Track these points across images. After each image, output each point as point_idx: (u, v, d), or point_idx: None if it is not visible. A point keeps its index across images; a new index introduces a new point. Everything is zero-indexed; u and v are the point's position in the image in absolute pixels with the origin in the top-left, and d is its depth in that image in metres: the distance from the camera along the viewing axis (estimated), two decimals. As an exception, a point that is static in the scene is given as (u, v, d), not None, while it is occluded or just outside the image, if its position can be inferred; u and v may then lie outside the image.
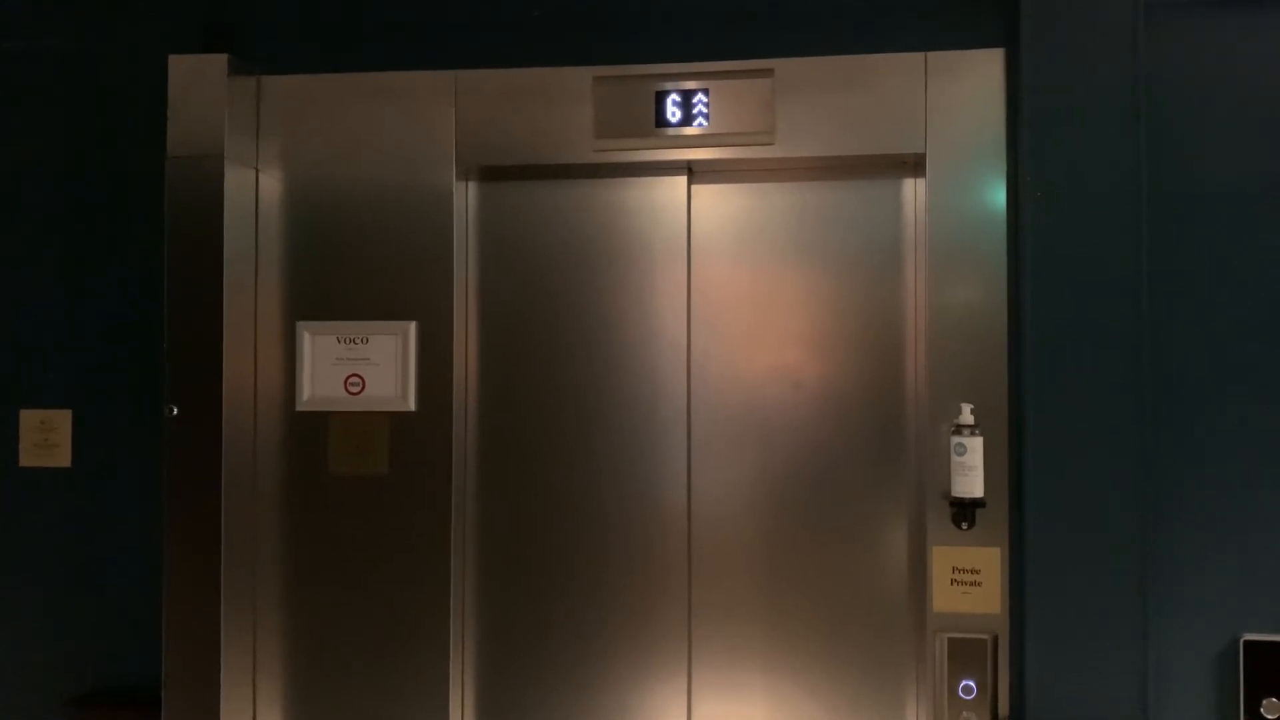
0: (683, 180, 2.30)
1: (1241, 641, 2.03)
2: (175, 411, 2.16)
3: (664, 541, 2.28)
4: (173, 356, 2.18)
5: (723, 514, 2.29)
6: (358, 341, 2.29)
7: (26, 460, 2.38)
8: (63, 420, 2.37)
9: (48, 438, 2.37)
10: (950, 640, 2.10)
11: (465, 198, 2.34)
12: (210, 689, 2.16)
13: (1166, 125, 2.08)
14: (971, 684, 2.09)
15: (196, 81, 2.19)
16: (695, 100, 2.21)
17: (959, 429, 2.08)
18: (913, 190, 2.25)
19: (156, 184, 2.20)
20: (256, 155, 2.30)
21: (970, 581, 2.11)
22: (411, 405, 2.27)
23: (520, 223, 2.34)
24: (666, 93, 2.22)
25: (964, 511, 2.10)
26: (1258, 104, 2.08)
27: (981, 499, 2.07)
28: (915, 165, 2.21)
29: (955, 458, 2.08)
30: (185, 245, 2.18)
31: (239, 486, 2.23)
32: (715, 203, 2.32)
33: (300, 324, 2.30)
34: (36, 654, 2.37)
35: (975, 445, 2.07)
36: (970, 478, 2.07)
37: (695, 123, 2.21)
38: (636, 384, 2.30)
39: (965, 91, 2.14)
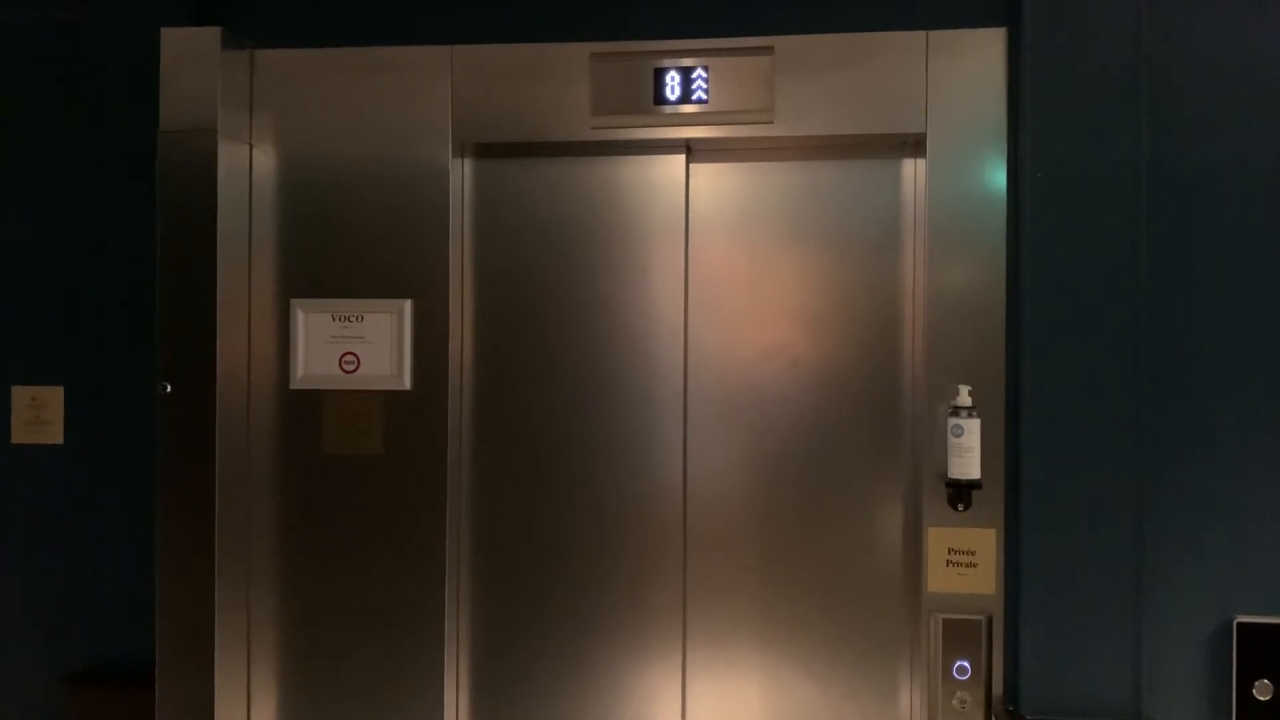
0: (681, 158, 2.28)
1: (1235, 623, 2.04)
2: (168, 389, 2.15)
3: (660, 520, 2.28)
4: (166, 333, 2.16)
5: (719, 493, 2.29)
6: (352, 319, 2.27)
7: (18, 437, 2.37)
8: (54, 397, 2.35)
9: (39, 414, 2.35)
10: (945, 621, 2.11)
11: (461, 175, 2.32)
12: (204, 667, 2.15)
13: (1168, 106, 2.07)
14: (966, 664, 2.10)
15: (189, 55, 2.16)
16: (694, 78, 2.19)
17: (956, 410, 2.08)
18: (913, 170, 2.23)
19: (150, 159, 2.17)
20: (250, 130, 2.27)
21: (966, 563, 2.11)
22: (407, 384, 2.25)
23: (517, 200, 2.33)
24: (665, 70, 2.20)
25: (960, 493, 2.10)
26: (1260, 85, 2.07)
27: (978, 480, 2.07)
28: (915, 145, 2.20)
29: (952, 439, 2.08)
30: (178, 220, 2.15)
31: (233, 464, 2.22)
32: (714, 182, 2.30)
33: (294, 301, 2.29)
34: (29, 632, 2.37)
35: (972, 427, 2.07)
36: (967, 459, 2.07)
37: (694, 100, 2.19)
38: (633, 363, 2.29)
39: (966, 71, 2.13)
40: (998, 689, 2.10)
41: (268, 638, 2.29)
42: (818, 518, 2.26)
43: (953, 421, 2.08)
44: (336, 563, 2.28)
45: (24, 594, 2.37)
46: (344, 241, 2.28)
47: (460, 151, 2.30)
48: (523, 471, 2.32)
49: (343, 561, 2.28)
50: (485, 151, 2.32)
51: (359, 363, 2.27)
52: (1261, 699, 2.02)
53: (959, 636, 2.11)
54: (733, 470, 2.29)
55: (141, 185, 2.22)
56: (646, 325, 2.29)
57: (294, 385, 2.29)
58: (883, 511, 2.24)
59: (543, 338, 2.32)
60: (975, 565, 2.11)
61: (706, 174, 2.31)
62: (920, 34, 2.14)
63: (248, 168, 2.27)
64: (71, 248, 2.35)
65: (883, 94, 2.14)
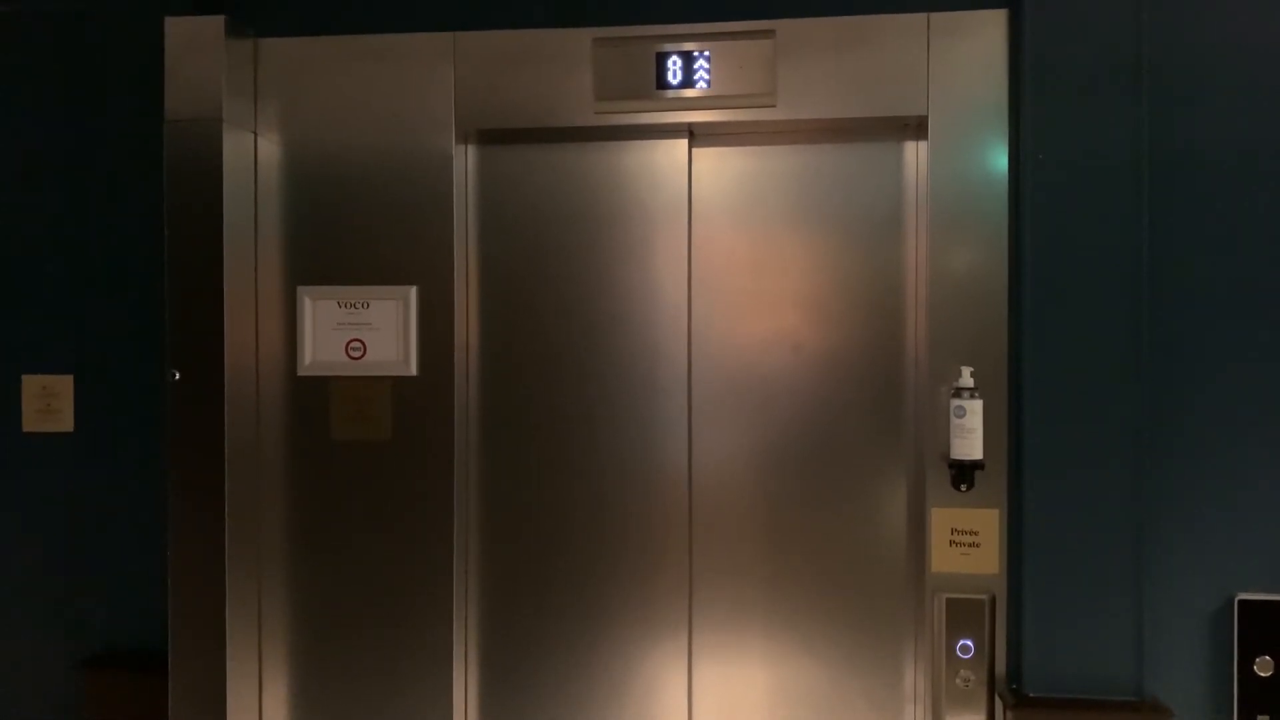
0: (683, 143, 2.29)
1: (1236, 601, 2.05)
2: (177, 376, 2.16)
3: (665, 503, 2.30)
4: (174, 321, 2.17)
5: (723, 476, 2.30)
6: (358, 306, 2.28)
7: (30, 426, 2.39)
8: (64, 385, 2.37)
9: (50, 403, 2.37)
10: (949, 600, 2.13)
11: (465, 161, 2.33)
12: (216, 652, 2.18)
13: (1169, 88, 2.07)
14: (969, 643, 2.12)
15: (193, 44, 2.17)
16: (696, 62, 2.19)
17: (959, 392, 2.09)
18: (914, 153, 2.24)
19: (155, 148, 2.19)
20: (255, 119, 2.28)
21: (969, 543, 2.13)
22: (413, 370, 2.27)
23: (520, 186, 2.34)
24: (667, 54, 2.20)
25: (963, 473, 2.11)
26: (1262, 68, 2.07)
27: (980, 461, 2.08)
28: (917, 128, 2.20)
29: (955, 420, 2.09)
30: (185, 209, 2.17)
31: (242, 451, 2.24)
32: (716, 166, 2.31)
33: (301, 288, 2.30)
34: (43, 617, 2.39)
35: (975, 408, 2.08)
36: (969, 440, 2.08)
37: (696, 85, 2.20)
38: (637, 348, 2.30)
39: (968, 53, 2.13)
40: (1001, 668, 2.11)
41: (278, 621, 2.32)
42: (822, 500, 2.27)
43: (955, 403, 2.09)
44: (345, 547, 2.30)
45: (37, 581, 2.40)
46: (349, 229, 2.29)
47: (464, 138, 2.31)
48: (529, 456, 2.34)
49: (351, 545, 2.30)
50: (489, 138, 2.32)
51: (365, 349, 2.29)
52: (1263, 675, 2.04)
53: (962, 616, 2.12)
54: (737, 452, 2.30)
55: (148, 174, 2.24)
56: (650, 309, 2.30)
57: (301, 372, 2.30)
58: (886, 493, 2.26)
59: (547, 322, 2.33)
60: (978, 545, 2.13)
61: (709, 158, 2.31)
62: (921, 16, 2.14)
63: (253, 156, 2.28)
64: (79, 238, 2.36)
65: (884, 77, 2.15)
